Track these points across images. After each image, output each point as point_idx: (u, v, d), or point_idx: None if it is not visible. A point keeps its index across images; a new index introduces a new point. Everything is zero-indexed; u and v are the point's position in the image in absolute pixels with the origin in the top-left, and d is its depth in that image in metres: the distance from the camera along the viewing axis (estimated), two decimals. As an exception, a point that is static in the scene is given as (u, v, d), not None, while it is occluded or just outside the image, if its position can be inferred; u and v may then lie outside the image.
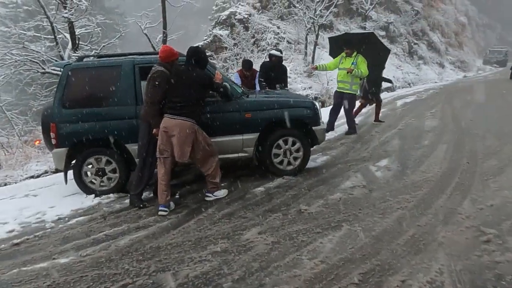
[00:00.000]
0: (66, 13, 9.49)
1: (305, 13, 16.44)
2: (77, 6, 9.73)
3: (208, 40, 17.07)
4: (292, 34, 18.01)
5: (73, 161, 4.86)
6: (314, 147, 5.52)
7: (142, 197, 4.58)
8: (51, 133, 4.71)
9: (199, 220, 3.97)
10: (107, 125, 4.71)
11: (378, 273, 2.80)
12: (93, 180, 4.87)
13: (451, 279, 2.67)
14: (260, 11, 19.00)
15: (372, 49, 7.88)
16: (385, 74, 9.62)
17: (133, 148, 4.71)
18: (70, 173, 4.86)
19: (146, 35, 11.84)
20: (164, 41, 11.40)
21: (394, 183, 4.75)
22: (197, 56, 4.31)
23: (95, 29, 10.86)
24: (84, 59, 5.09)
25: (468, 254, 3.00)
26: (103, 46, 10.82)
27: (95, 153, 4.79)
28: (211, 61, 4.47)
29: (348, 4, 21.63)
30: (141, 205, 4.42)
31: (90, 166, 4.84)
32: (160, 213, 4.15)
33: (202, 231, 3.67)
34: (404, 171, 5.21)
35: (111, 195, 4.83)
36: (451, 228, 3.48)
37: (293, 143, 5.13)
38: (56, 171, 7.10)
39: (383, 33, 23.25)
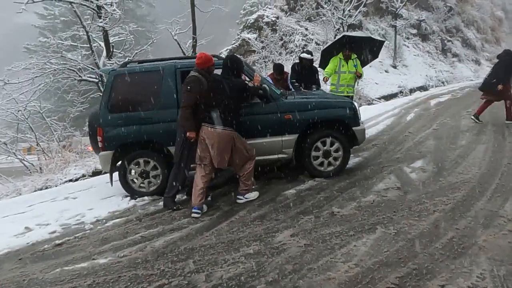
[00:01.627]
0: (100, 22, 9.88)
1: (333, 13, 16.32)
2: (111, 15, 10.09)
3: (236, 44, 17.26)
4: (321, 35, 17.90)
5: (118, 163, 5.02)
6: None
7: (176, 199, 4.68)
8: (98, 137, 4.89)
9: (231, 222, 4.00)
10: (150, 128, 4.84)
11: (416, 277, 2.72)
12: (137, 182, 5.02)
13: (493, 285, 2.56)
14: (287, 14, 19.03)
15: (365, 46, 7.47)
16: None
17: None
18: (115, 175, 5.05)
19: (176, 41, 12.11)
20: (194, 47, 11.63)
21: (430, 185, 4.61)
22: (232, 64, 4.42)
23: (128, 37, 11.21)
24: (128, 65, 5.22)
25: (512, 258, 2.87)
26: (136, 53, 11.15)
27: (139, 156, 4.95)
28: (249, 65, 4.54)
29: (378, 2, 21.26)
30: (175, 207, 4.51)
31: (134, 169, 4.99)
32: (193, 215, 4.22)
33: (234, 233, 3.70)
34: (440, 172, 5.04)
35: (145, 197, 4.96)
36: (493, 231, 3.33)
37: (332, 144, 5.07)
38: (93, 174, 7.38)
39: (414, 31, 22.73)
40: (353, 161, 5.90)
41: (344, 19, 16.01)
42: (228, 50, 16.96)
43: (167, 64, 5.02)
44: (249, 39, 16.74)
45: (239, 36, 17.80)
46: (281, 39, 17.02)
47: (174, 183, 4.55)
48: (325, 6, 16.93)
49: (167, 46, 20.58)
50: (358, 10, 16.80)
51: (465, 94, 14.40)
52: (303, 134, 5.01)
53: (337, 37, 7.94)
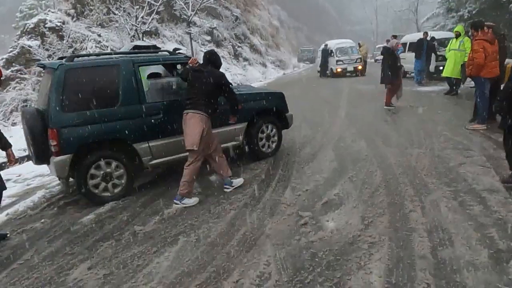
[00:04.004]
0: None
1: (126, 19, 15.82)
2: None
3: (14, 52, 14.77)
4: (116, 42, 17.12)
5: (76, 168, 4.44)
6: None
7: None
8: (50, 140, 4.25)
9: (12, 270, 3.34)
10: (114, 126, 4.57)
11: (214, 279, 2.86)
12: (100, 187, 4.59)
13: (276, 268, 2.91)
14: (75, 19, 17.44)
15: None
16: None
17: (140, 147, 4.75)
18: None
19: None
20: None
21: (227, 185, 4.95)
22: (212, 57, 4.63)
23: None
24: (76, 59, 4.65)
25: (290, 240, 3.34)
26: None
27: (101, 158, 4.52)
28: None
29: (171, 10, 21.77)
30: None
31: (96, 172, 4.53)
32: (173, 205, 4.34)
33: (16, 285, 3.11)
34: (236, 171, 5.48)
35: None
36: (276, 218, 3.81)
37: (271, 129, 5.97)
38: None
39: (208, 38, 24.29)
40: (156, 171, 5.84)
41: (138, 26, 15.75)
42: (4, 60, 14.37)
43: (124, 58, 4.85)
44: (30, 46, 14.56)
45: (17, 43, 15.28)
46: (71, 46, 15.46)
47: None
48: (117, 12, 16.24)
49: None
50: (151, 17, 16.81)
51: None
52: (250, 122, 5.65)
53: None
